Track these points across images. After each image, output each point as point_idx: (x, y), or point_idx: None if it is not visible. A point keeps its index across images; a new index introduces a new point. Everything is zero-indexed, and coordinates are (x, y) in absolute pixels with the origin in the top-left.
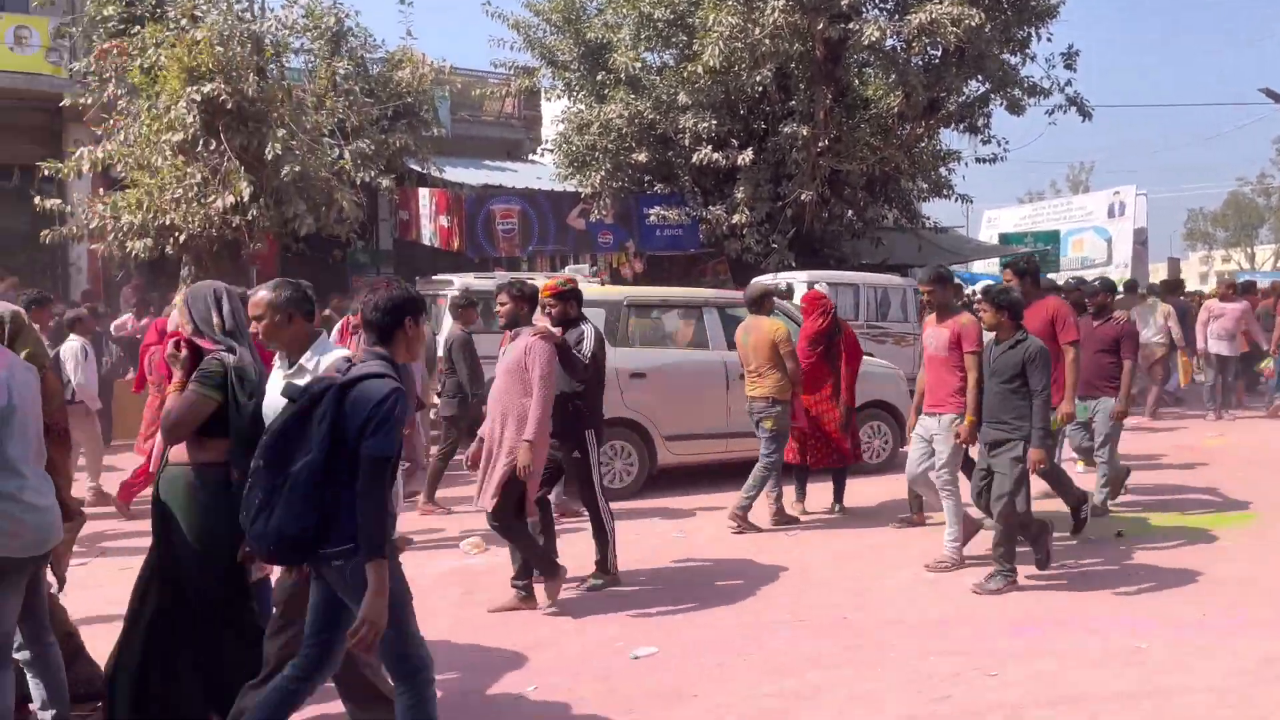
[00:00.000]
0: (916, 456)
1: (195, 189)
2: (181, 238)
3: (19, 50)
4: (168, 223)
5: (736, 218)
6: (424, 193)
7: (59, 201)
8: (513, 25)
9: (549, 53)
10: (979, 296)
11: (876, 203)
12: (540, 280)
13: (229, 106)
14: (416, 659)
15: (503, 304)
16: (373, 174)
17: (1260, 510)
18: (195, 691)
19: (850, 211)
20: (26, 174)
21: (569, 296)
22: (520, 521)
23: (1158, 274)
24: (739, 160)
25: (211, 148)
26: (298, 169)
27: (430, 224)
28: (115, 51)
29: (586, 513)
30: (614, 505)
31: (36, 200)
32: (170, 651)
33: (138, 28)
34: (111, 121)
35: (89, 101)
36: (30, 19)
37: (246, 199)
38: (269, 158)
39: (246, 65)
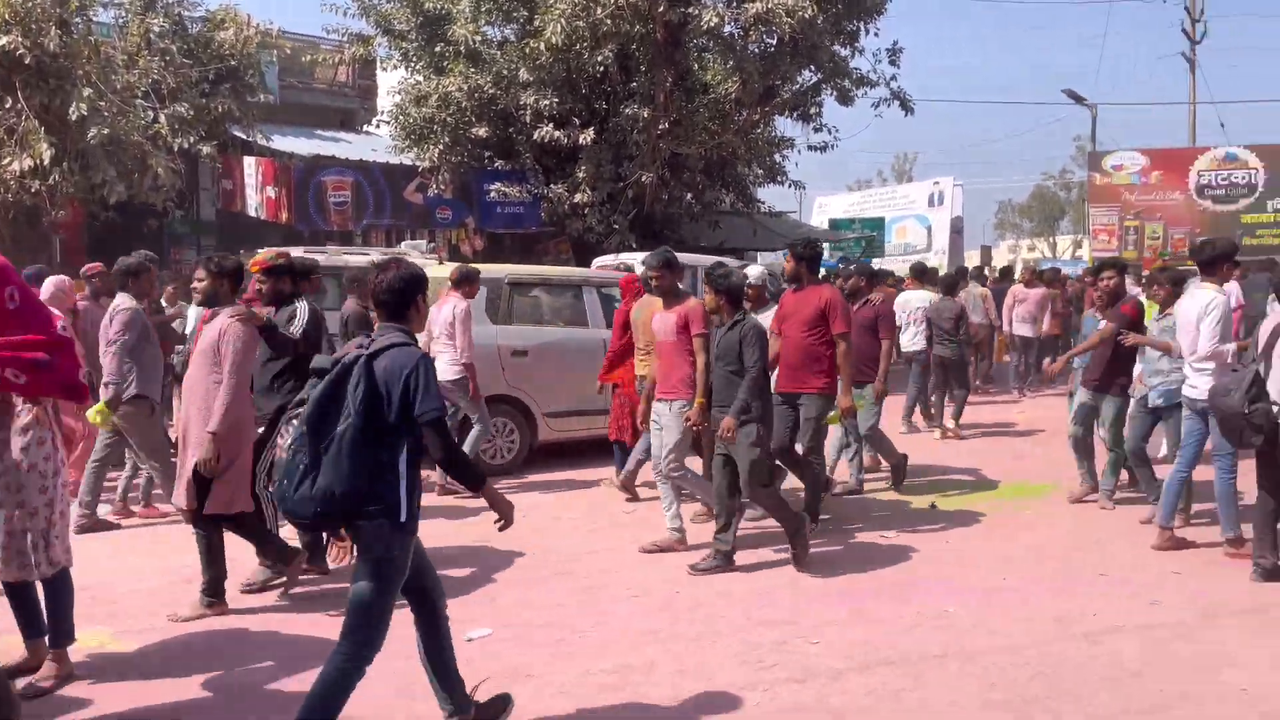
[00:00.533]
0: (657, 445)
1: None
2: None
3: None
4: None
5: (578, 197)
6: (249, 161)
7: None
8: None
9: (385, 20)
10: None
11: (714, 186)
12: (375, 256)
13: (27, 61)
14: (376, 631)
15: (200, 280)
16: (192, 140)
17: (1058, 481)
18: None
19: (689, 194)
20: None
21: (282, 272)
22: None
23: (971, 260)
24: (581, 139)
25: (7, 106)
26: (106, 131)
27: (256, 194)
28: None
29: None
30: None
31: None
32: None
33: None
34: None
35: None
36: None
37: (47, 162)
38: (73, 118)
39: (47, 17)
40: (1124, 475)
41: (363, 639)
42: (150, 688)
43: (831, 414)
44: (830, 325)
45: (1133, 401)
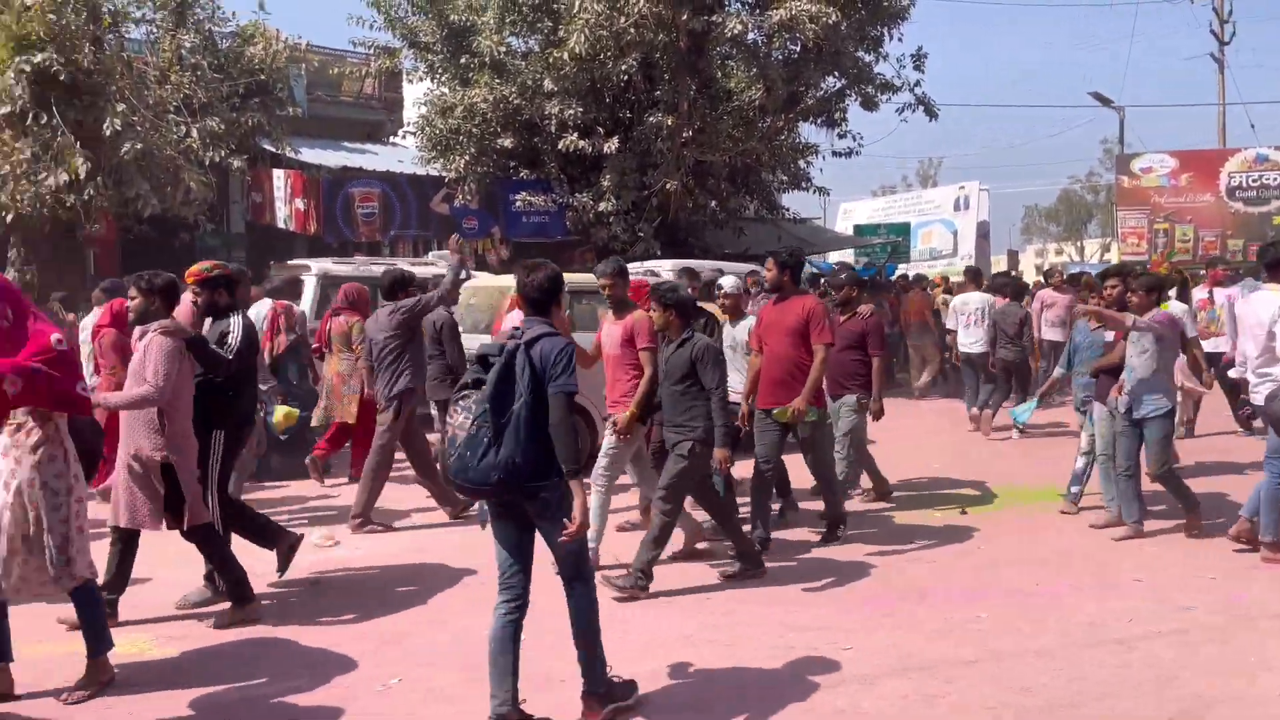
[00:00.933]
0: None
1: (25, 165)
2: (9, 217)
3: None
4: None
5: (603, 205)
6: (278, 174)
7: None
8: (372, 3)
9: (411, 33)
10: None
11: (738, 193)
12: (402, 266)
13: (62, 78)
14: (589, 565)
15: (131, 298)
16: (223, 154)
17: (1089, 485)
18: None
19: (713, 201)
20: None
21: (217, 284)
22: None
23: (998, 265)
24: (605, 148)
25: (43, 122)
26: (140, 146)
27: (285, 207)
28: None
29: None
30: None
31: None
32: None
33: None
34: None
35: None
36: None
37: (82, 177)
38: (107, 134)
39: (82, 35)
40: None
41: (587, 573)
42: (174, 697)
43: (779, 410)
44: (811, 336)
45: (1117, 416)
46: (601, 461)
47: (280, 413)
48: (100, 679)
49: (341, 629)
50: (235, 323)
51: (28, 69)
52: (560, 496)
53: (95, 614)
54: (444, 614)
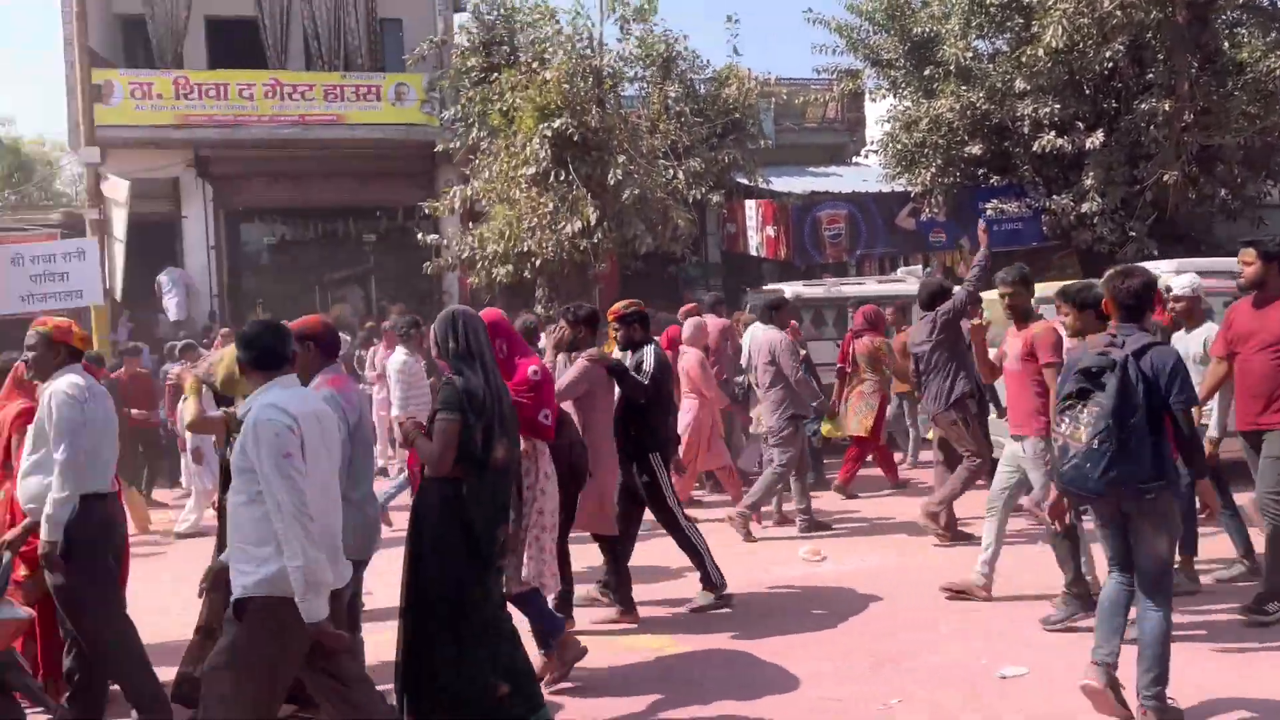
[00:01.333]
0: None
1: (548, 217)
2: (537, 262)
3: (399, 104)
4: (525, 249)
5: (1086, 206)
6: (750, 204)
7: (436, 236)
8: (835, 29)
9: (873, 52)
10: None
11: (1257, 178)
12: (870, 285)
13: (575, 139)
14: (1170, 583)
15: (561, 329)
16: (703, 191)
17: None
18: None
19: (1224, 190)
20: (408, 213)
21: (633, 320)
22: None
23: None
24: (1087, 144)
25: (561, 178)
26: (637, 192)
27: (757, 234)
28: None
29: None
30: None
31: (419, 236)
32: (420, 653)
33: (496, 75)
34: (476, 161)
35: (457, 145)
36: (407, 76)
37: (593, 223)
38: (611, 183)
39: (589, 99)
40: None
41: (1168, 588)
42: (680, 689)
43: None
44: None
45: None
46: (998, 484)
47: (826, 426)
48: (565, 657)
49: (834, 645)
50: (649, 353)
51: (549, 134)
52: (1166, 499)
53: (535, 617)
54: (938, 634)
